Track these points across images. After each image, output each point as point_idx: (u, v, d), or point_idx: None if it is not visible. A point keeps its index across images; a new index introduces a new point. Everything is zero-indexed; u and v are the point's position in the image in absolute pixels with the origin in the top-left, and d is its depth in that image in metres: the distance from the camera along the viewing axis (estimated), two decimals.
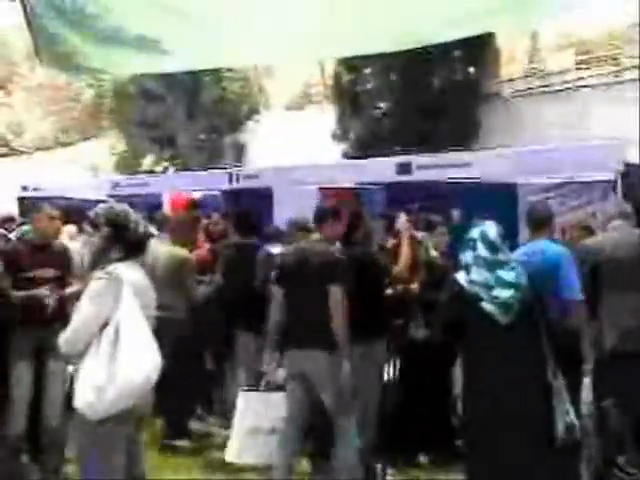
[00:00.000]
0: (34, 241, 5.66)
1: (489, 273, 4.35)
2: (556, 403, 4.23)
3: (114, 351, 3.49)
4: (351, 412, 5.42)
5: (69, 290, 5.59)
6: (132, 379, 3.46)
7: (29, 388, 5.58)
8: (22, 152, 30.49)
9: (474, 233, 4.48)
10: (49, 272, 5.61)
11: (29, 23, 8.53)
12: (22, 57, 31.53)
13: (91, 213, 3.88)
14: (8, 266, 5.52)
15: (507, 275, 4.35)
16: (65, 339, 3.64)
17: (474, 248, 4.44)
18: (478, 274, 4.38)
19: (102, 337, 3.54)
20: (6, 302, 5.38)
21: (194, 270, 6.64)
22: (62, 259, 5.80)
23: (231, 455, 5.60)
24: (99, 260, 3.76)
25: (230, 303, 6.60)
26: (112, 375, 3.46)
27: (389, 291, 6.08)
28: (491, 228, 4.48)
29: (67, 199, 11.23)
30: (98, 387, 3.47)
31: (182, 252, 6.61)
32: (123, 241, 3.76)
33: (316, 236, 5.66)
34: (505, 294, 4.31)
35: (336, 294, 5.31)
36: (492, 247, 4.41)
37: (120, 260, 3.74)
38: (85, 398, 3.51)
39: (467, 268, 4.46)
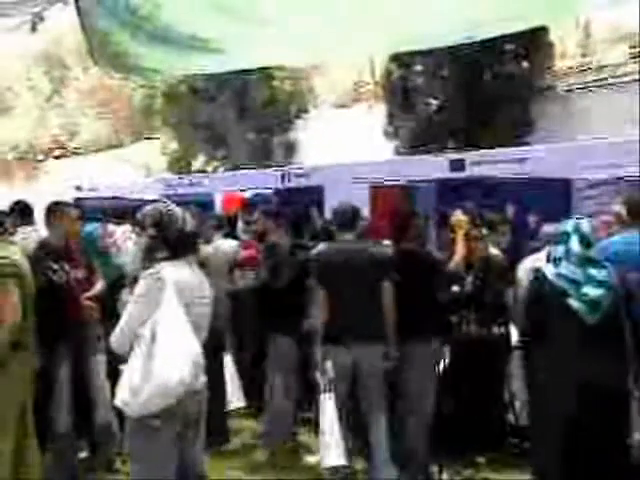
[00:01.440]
0: (58, 243, 5.76)
1: (579, 269, 4.26)
2: (635, 411, 4.12)
3: (151, 351, 3.51)
4: (384, 411, 5.50)
5: (97, 288, 5.77)
6: (167, 379, 3.48)
7: (69, 386, 5.67)
8: (76, 153, 30.96)
9: (568, 227, 4.41)
10: (80, 273, 5.75)
11: (82, 24, 8.59)
12: (75, 59, 32.01)
13: (138, 214, 3.92)
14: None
15: (598, 273, 4.25)
16: (114, 338, 3.75)
17: (566, 242, 4.36)
18: (567, 269, 4.31)
19: (141, 337, 3.57)
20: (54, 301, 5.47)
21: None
22: (86, 258, 5.98)
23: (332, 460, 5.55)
24: (146, 260, 3.80)
25: (268, 305, 6.52)
26: (147, 374, 3.49)
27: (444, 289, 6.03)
28: (585, 223, 4.41)
29: (120, 199, 11.35)
30: (134, 386, 3.51)
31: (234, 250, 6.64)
32: (168, 241, 3.78)
33: (349, 236, 5.70)
34: (595, 292, 4.21)
35: (389, 291, 5.32)
36: (586, 242, 4.33)
37: (166, 260, 3.76)
38: (122, 396, 3.58)
39: (556, 262, 4.38)
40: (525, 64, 16.68)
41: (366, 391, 5.51)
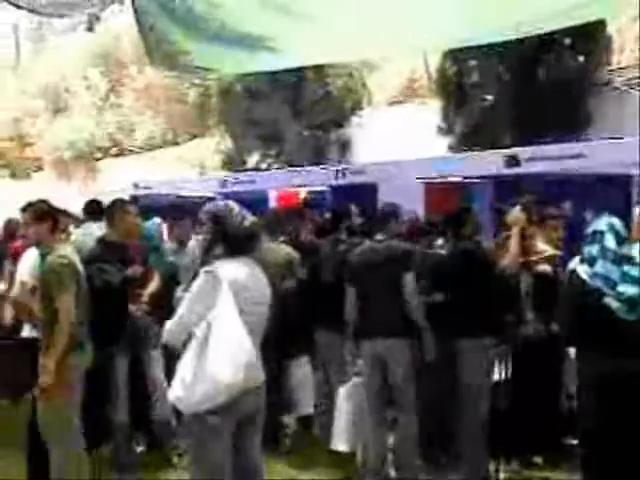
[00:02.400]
0: (119, 240, 5.84)
1: (615, 267, 4.18)
2: None
3: (204, 349, 3.53)
4: (411, 408, 5.53)
5: (153, 285, 5.85)
6: (219, 377, 3.49)
7: (126, 378, 5.76)
8: (132, 151, 31.38)
9: (601, 225, 4.33)
10: (139, 269, 5.83)
11: (139, 23, 8.70)
12: (131, 59, 32.41)
13: (205, 210, 3.95)
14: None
15: (634, 271, 4.17)
16: (167, 331, 3.81)
17: (601, 240, 4.29)
18: (603, 267, 4.23)
19: (195, 334, 3.60)
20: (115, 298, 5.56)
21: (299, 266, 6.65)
22: (143, 256, 6.05)
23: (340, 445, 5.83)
24: (205, 257, 3.82)
25: (312, 301, 6.47)
26: (200, 373, 3.51)
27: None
28: (618, 221, 4.34)
29: (176, 197, 11.48)
30: (187, 383, 3.53)
31: (288, 250, 6.63)
32: (226, 238, 3.80)
33: (380, 235, 5.70)
34: (631, 291, 4.13)
35: (409, 281, 5.47)
36: (620, 240, 4.25)
37: (224, 257, 3.78)
38: (175, 392, 3.61)
39: (591, 261, 4.31)
40: (582, 58, 16.40)
41: (393, 387, 5.57)
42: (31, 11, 10.83)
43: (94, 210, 6.92)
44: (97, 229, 6.64)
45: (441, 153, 16.08)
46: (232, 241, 3.80)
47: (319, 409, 6.49)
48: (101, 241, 5.87)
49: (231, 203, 3.99)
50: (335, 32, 7.41)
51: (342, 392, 5.85)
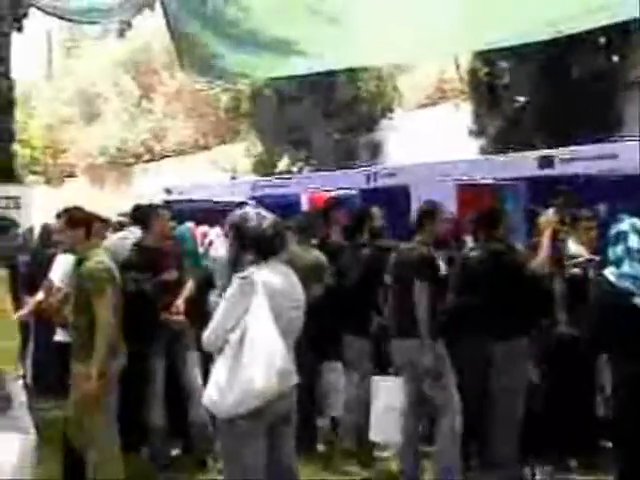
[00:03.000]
0: (153, 245, 5.89)
1: None
2: None
3: (238, 354, 3.55)
4: (447, 409, 5.50)
5: (188, 289, 5.89)
6: (252, 382, 3.50)
7: (162, 381, 5.79)
8: (164, 156, 31.56)
9: (624, 226, 4.32)
10: (174, 273, 5.87)
11: (170, 29, 8.76)
12: (162, 65, 32.61)
13: (228, 218, 3.98)
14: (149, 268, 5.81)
15: None
16: (205, 337, 3.83)
17: (625, 241, 4.27)
18: (631, 267, 4.21)
19: (230, 338, 3.61)
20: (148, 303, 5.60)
21: (328, 270, 6.63)
22: (178, 260, 6.09)
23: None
24: (235, 263, 3.85)
25: (339, 306, 6.43)
26: (234, 378, 3.53)
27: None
28: (639, 220, 4.34)
29: (208, 201, 11.52)
30: (221, 387, 3.54)
31: (315, 253, 6.62)
32: (249, 243, 3.82)
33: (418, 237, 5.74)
34: None
35: (419, 290, 5.48)
36: None
37: (256, 262, 3.80)
38: (210, 397, 3.63)
39: (617, 262, 4.29)
40: (615, 58, 16.21)
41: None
42: (63, 18, 10.98)
43: (136, 215, 7.05)
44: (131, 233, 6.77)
45: (473, 155, 16.00)
46: (256, 244, 3.83)
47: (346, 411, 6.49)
48: (136, 246, 5.93)
49: (248, 209, 4.05)
50: (365, 35, 7.42)
51: (381, 386, 5.95)
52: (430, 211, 5.82)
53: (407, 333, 5.54)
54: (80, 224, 5.07)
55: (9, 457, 4.54)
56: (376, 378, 6.04)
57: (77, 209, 5.26)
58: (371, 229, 6.57)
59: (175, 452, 6.55)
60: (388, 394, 5.84)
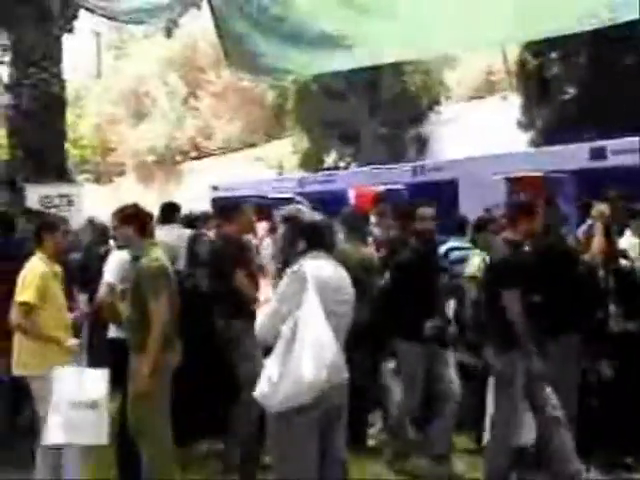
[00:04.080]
0: (236, 236, 6.00)
1: None
2: None
3: (290, 348, 3.55)
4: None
5: (264, 285, 5.92)
6: (303, 376, 3.49)
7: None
8: (211, 154, 31.80)
9: None
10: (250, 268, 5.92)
11: (217, 27, 8.79)
12: (209, 63, 32.85)
13: (280, 211, 3.99)
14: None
15: None
16: (257, 330, 3.85)
17: None
18: None
19: (282, 332, 3.61)
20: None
21: (377, 268, 6.56)
22: (253, 255, 6.13)
23: None
24: (286, 256, 3.86)
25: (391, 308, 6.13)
26: (285, 371, 3.52)
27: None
28: None
29: (256, 197, 11.55)
30: (272, 380, 3.54)
31: (363, 249, 6.58)
32: (301, 236, 3.83)
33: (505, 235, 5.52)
34: None
35: (510, 296, 5.12)
36: None
37: (306, 256, 3.80)
38: (261, 390, 3.63)
39: None
40: None
41: None
42: (112, 19, 11.11)
43: (168, 211, 7.48)
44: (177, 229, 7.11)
45: (522, 148, 15.81)
46: (308, 237, 3.84)
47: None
48: (222, 238, 6.09)
49: (300, 205, 4.05)
50: (412, 29, 7.35)
51: None
52: (526, 205, 5.53)
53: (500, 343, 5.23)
54: (132, 221, 5.11)
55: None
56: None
57: (131, 206, 5.30)
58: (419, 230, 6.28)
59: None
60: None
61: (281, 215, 4.00)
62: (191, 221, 7.86)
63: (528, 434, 5.24)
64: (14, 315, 5.14)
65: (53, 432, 5.00)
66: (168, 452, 5.06)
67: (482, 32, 7.18)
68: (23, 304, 5.07)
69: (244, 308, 5.50)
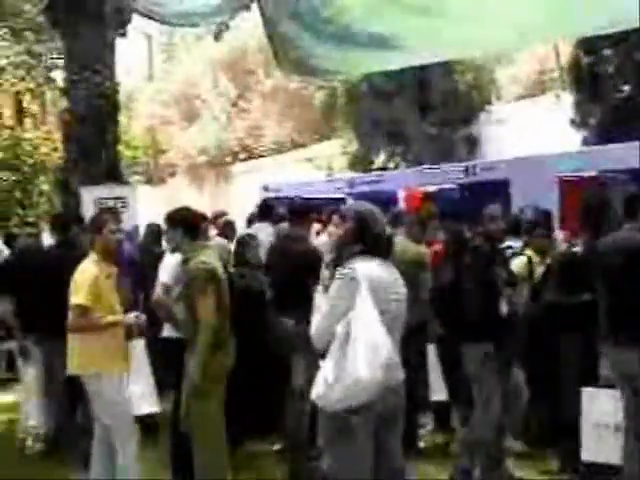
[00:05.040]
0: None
1: None
2: None
3: (344, 349, 3.55)
4: None
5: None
6: (358, 379, 3.49)
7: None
8: (261, 155, 31.91)
9: None
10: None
11: (267, 29, 8.84)
12: (258, 65, 32.99)
13: (342, 208, 4.00)
14: None
15: None
16: (311, 332, 3.86)
17: None
18: None
19: (336, 334, 3.62)
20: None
21: (429, 268, 6.53)
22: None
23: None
24: (342, 255, 3.86)
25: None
26: (340, 372, 3.53)
27: None
28: None
29: (306, 198, 11.57)
30: (328, 382, 3.55)
31: (417, 248, 6.55)
32: (366, 239, 3.82)
33: None
34: None
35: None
36: None
37: (362, 255, 3.80)
38: (317, 391, 3.63)
39: None
40: None
41: None
42: (164, 22, 11.22)
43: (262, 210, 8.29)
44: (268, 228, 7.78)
45: (575, 147, 15.56)
46: (371, 242, 3.83)
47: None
48: (287, 237, 6.43)
49: (373, 206, 4.03)
50: (463, 27, 7.30)
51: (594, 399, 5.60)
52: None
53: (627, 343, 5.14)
54: (179, 224, 5.17)
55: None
56: (588, 390, 5.59)
57: (182, 209, 5.36)
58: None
59: (276, 447, 6.64)
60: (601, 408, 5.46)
61: (348, 212, 3.98)
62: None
63: None
64: (69, 317, 5.22)
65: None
66: (221, 452, 5.10)
67: (533, 29, 7.11)
68: (77, 306, 5.14)
69: (297, 308, 5.55)
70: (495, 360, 5.53)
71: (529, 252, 6.50)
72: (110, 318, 5.25)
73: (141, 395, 5.38)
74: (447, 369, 6.40)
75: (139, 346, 5.58)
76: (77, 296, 5.14)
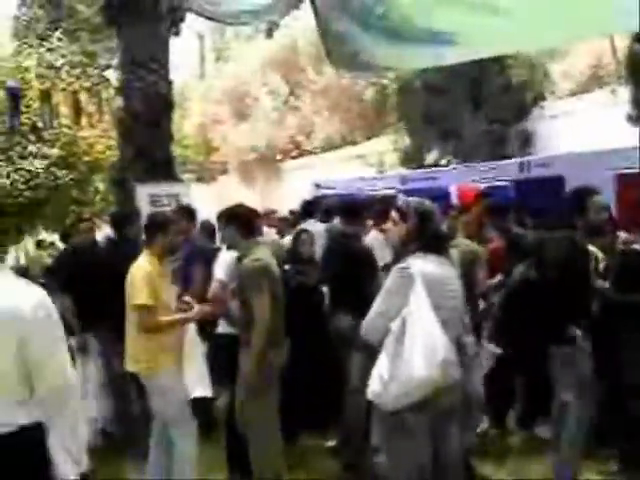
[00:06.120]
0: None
1: None
2: None
3: (399, 347, 3.53)
4: None
5: None
6: (414, 375, 3.47)
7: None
8: (312, 152, 31.96)
9: None
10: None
11: (319, 26, 8.83)
12: (309, 62, 33.05)
13: (400, 203, 3.97)
14: None
15: None
16: (363, 328, 3.87)
17: None
18: None
19: (390, 331, 3.60)
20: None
21: (484, 265, 6.45)
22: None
23: None
24: (401, 250, 3.84)
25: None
26: (395, 370, 3.51)
27: None
28: None
29: (358, 195, 11.54)
30: (384, 380, 3.53)
31: (472, 246, 6.48)
32: (426, 236, 3.80)
33: None
34: None
35: None
36: None
37: (420, 252, 3.78)
38: (373, 389, 3.62)
39: None
40: None
41: None
42: (217, 21, 11.30)
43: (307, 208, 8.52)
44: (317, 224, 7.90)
45: (632, 142, 15.27)
46: (430, 240, 3.81)
47: None
48: (341, 234, 6.54)
49: (430, 202, 4.01)
50: (516, 21, 7.21)
51: None
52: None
53: None
54: (234, 220, 5.18)
55: None
56: None
57: (236, 206, 5.38)
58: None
59: (329, 444, 6.64)
60: None
61: (409, 208, 3.95)
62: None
63: None
64: (135, 318, 5.23)
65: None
66: (277, 450, 5.11)
67: (588, 23, 6.98)
68: (141, 307, 5.15)
69: (353, 304, 5.55)
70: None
71: (594, 249, 6.35)
72: (177, 316, 5.31)
73: (194, 379, 5.39)
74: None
75: (191, 330, 5.57)
76: (139, 296, 5.16)
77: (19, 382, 2.95)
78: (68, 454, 2.98)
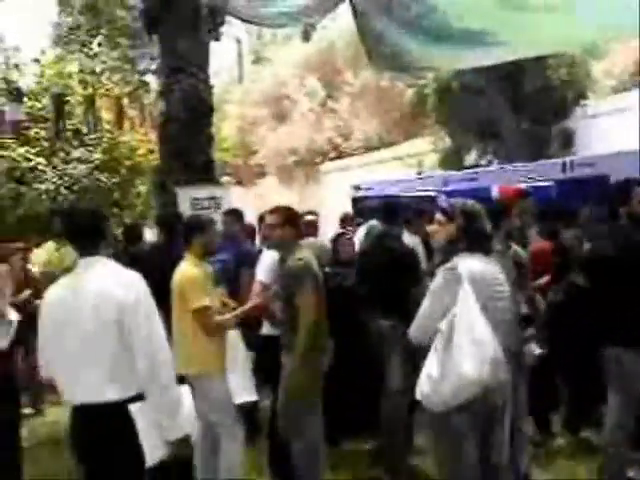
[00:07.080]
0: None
1: None
2: None
3: (448, 347, 3.52)
4: None
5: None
6: (464, 374, 3.46)
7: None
8: (350, 154, 31.94)
9: None
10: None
11: (359, 26, 8.81)
12: (346, 64, 33.06)
13: (444, 204, 3.98)
14: None
15: None
16: (411, 330, 3.88)
17: None
18: None
19: (439, 332, 3.59)
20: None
21: (527, 267, 6.38)
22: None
23: None
24: (448, 251, 3.84)
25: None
26: (445, 371, 3.50)
27: None
28: None
29: (398, 197, 11.50)
30: (433, 379, 3.52)
31: (514, 247, 6.43)
32: (473, 234, 3.79)
33: None
34: None
35: None
36: None
37: (466, 252, 3.78)
38: (423, 390, 3.61)
39: None
40: None
41: None
42: (253, 23, 11.34)
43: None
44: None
45: None
46: (477, 240, 3.80)
47: None
48: (381, 236, 6.57)
49: (476, 203, 4.00)
50: (558, 21, 7.14)
51: None
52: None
53: None
54: (280, 222, 5.20)
55: None
56: None
57: (281, 208, 5.39)
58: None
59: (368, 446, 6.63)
60: None
61: (455, 208, 3.94)
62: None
63: None
64: (199, 321, 5.23)
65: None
66: (318, 451, 5.11)
67: (629, 21, 6.88)
68: (203, 309, 5.14)
69: (392, 306, 5.54)
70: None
71: None
72: (229, 315, 5.35)
73: (239, 384, 5.39)
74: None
75: (234, 335, 5.58)
76: (198, 299, 5.17)
77: (118, 360, 3.50)
78: (165, 418, 3.52)
